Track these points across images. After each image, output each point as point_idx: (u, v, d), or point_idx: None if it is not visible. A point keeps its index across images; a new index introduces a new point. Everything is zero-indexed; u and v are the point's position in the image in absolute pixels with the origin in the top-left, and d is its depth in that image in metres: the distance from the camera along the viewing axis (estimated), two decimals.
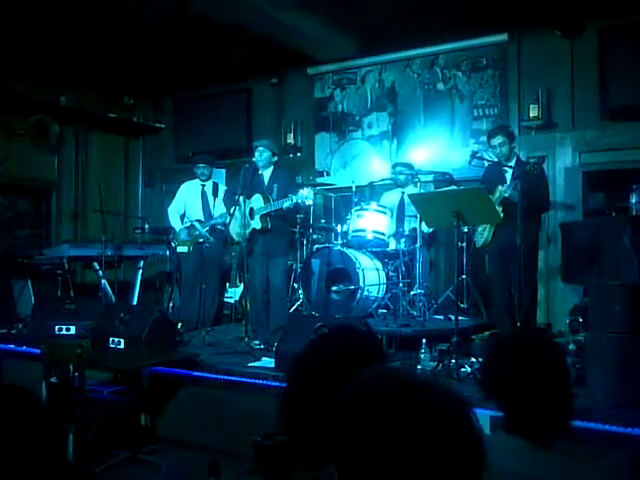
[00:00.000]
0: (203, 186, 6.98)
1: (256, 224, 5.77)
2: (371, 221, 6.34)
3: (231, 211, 5.80)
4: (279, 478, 1.48)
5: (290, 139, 8.49)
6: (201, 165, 7.00)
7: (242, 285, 7.01)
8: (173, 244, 7.00)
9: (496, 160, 5.60)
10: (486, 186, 5.22)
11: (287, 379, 1.56)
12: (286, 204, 5.55)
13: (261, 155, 5.88)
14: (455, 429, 0.97)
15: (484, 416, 3.51)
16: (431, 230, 6.40)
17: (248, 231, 5.78)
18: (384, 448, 0.95)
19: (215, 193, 6.80)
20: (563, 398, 1.79)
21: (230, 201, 5.96)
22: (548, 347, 1.88)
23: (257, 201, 5.79)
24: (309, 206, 6.18)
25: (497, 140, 5.47)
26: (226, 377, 4.84)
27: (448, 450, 0.95)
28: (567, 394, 1.81)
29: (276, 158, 5.98)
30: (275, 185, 5.84)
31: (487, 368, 1.98)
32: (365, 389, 1.03)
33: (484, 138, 7.22)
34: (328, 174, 8.23)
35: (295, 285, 6.78)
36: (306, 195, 5.48)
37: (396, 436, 0.95)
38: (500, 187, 5.24)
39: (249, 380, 4.74)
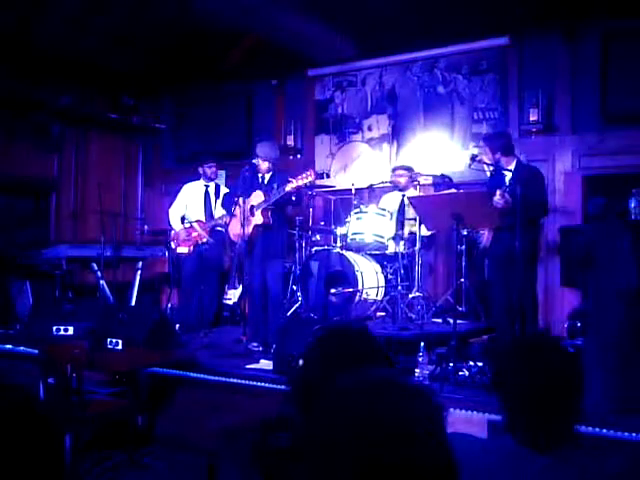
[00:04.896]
0: (207, 187, 6.97)
1: (258, 219, 5.74)
2: (370, 224, 6.34)
3: (232, 210, 5.77)
4: None
5: (290, 141, 8.48)
6: (212, 164, 6.99)
7: (241, 287, 7.00)
8: (173, 245, 7.00)
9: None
10: (488, 189, 5.22)
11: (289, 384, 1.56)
12: (287, 188, 5.51)
13: (260, 163, 5.87)
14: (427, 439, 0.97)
15: (482, 420, 3.51)
16: (430, 233, 6.39)
17: (250, 228, 5.73)
18: (360, 457, 0.95)
19: (218, 194, 6.81)
20: (573, 404, 1.76)
21: (228, 204, 5.95)
22: (563, 352, 1.85)
23: (257, 197, 5.78)
24: (312, 183, 5.91)
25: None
26: (224, 379, 4.83)
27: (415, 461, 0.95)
28: (577, 401, 1.78)
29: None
30: (275, 184, 5.82)
31: (498, 370, 1.94)
32: (343, 399, 1.03)
33: None
34: (328, 176, 8.23)
35: (294, 287, 6.77)
36: (305, 175, 5.41)
37: (369, 448, 0.95)
38: (499, 191, 5.22)
39: (247, 382, 4.73)
